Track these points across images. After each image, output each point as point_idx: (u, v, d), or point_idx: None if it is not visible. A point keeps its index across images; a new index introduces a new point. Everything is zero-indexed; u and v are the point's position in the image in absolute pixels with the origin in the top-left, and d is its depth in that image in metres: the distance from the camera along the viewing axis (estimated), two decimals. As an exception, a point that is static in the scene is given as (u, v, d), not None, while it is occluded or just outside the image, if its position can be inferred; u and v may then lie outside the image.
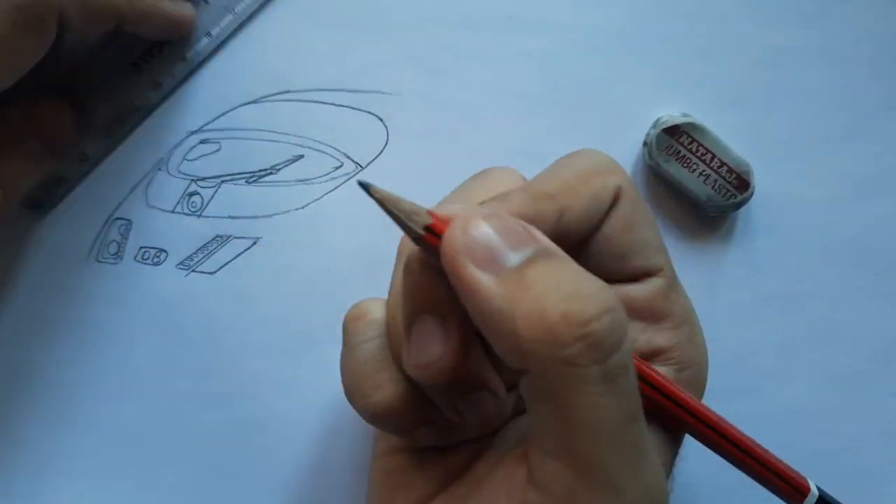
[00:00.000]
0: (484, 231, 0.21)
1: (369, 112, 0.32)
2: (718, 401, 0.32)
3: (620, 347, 0.20)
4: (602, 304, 0.20)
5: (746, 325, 0.32)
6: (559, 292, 0.19)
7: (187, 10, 0.32)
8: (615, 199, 0.25)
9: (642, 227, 0.25)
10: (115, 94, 0.32)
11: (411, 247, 0.23)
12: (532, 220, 0.22)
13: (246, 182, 0.32)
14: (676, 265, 0.27)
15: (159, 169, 0.32)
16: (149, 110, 0.33)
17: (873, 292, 0.33)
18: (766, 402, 0.32)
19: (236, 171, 0.32)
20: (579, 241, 0.25)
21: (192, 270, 0.32)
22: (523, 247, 0.20)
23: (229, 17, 0.32)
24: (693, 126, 0.31)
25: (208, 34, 0.32)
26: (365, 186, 0.22)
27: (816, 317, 0.33)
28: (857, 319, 0.33)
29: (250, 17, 0.33)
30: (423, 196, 0.32)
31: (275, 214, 0.32)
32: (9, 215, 0.31)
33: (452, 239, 0.21)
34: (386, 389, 0.24)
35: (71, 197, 0.32)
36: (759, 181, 0.32)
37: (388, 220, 0.32)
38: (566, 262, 0.21)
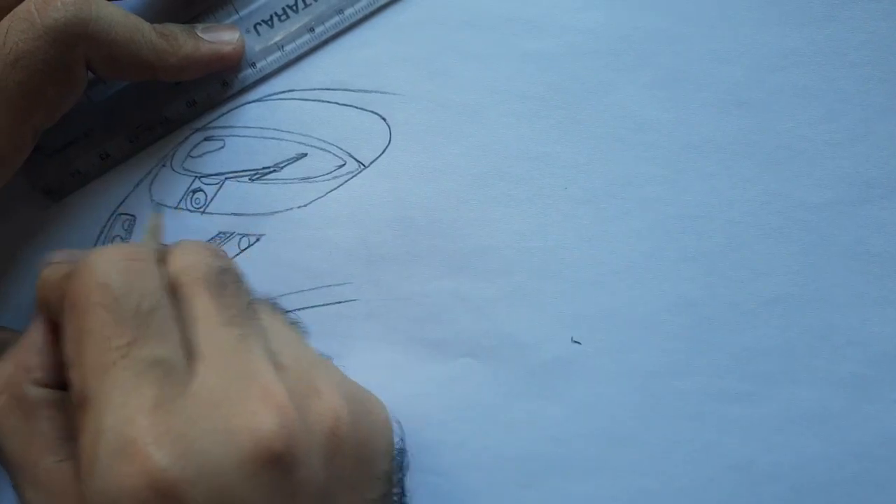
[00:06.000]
0: None
1: (373, 111, 0.33)
2: (720, 405, 0.32)
3: None
4: None
5: (748, 329, 0.32)
6: None
7: (234, 39, 0.32)
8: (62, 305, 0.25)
9: (65, 338, 0.24)
10: (150, 101, 0.32)
11: None
12: None
13: (249, 179, 0.33)
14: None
15: (163, 165, 0.33)
16: (179, 124, 0.33)
17: (877, 297, 0.32)
18: (768, 408, 0.32)
19: (240, 169, 0.33)
20: None
21: (196, 266, 0.33)
22: None
23: (277, 54, 0.32)
24: None
25: (253, 65, 0.32)
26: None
27: (819, 321, 0.32)
28: (860, 324, 0.32)
29: (298, 58, 0.33)
30: (426, 194, 0.33)
31: (278, 212, 0.33)
32: (21, 202, 0.32)
33: None
34: None
35: (76, 192, 0.33)
36: (762, 184, 0.32)
37: (391, 218, 0.32)
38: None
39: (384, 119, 0.33)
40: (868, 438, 0.32)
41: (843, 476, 0.32)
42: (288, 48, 0.32)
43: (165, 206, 0.33)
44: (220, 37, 0.31)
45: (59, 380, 0.26)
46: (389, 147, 0.33)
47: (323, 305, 0.33)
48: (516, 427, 0.32)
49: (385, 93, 0.33)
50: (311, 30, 0.32)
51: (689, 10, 0.32)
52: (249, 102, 0.33)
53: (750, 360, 0.32)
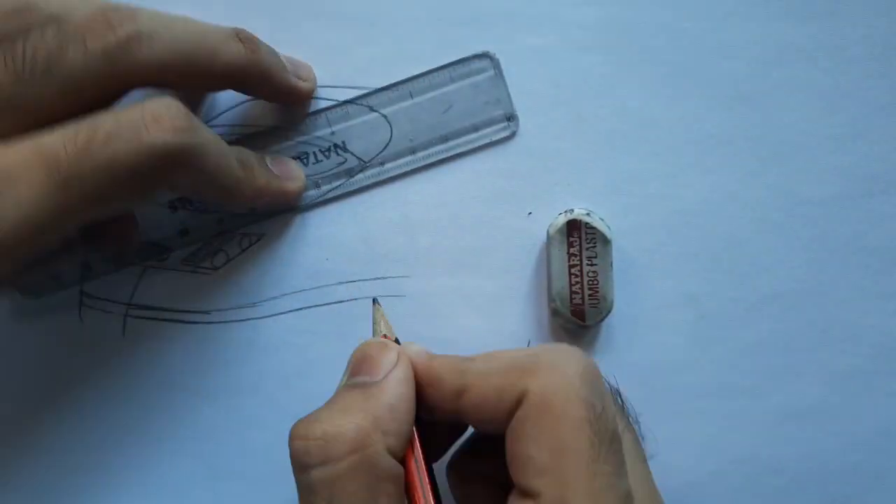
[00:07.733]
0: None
1: (374, 109, 0.32)
2: (722, 399, 0.32)
3: (311, 471, 0.23)
4: (311, 430, 0.23)
5: (748, 324, 0.32)
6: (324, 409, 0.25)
7: (300, 176, 0.32)
8: (518, 402, 0.24)
9: (532, 441, 0.23)
10: (143, 226, 0.31)
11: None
12: (426, 381, 0.25)
13: (249, 178, 0.32)
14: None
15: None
16: (166, 251, 0.32)
17: (875, 291, 0.33)
18: (769, 401, 0.33)
19: (240, 168, 0.32)
20: (496, 428, 0.25)
21: (196, 266, 0.32)
22: (353, 375, 0.25)
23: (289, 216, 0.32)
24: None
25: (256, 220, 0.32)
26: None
27: (819, 315, 0.33)
28: (859, 318, 0.33)
29: (302, 218, 0.32)
30: (427, 193, 0.32)
31: (278, 211, 0.32)
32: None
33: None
34: None
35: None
36: (764, 178, 0.32)
37: (391, 218, 0.32)
38: (346, 395, 0.25)
39: (385, 117, 0.32)
40: (867, 430, 0.33)
41: (843, 466, 0.33)
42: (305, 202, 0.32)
43: (163, 205, 0.32)
44: (289, 172, 0.31)
45: (402, 456, 0.24)
46: (390, 144, 0.32)
47: (323, 305, 0.32)
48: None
49: (386, 90, 0.32)
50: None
51: (692, 6, 0.32)
52: (249, 100, 0.32)
53: (752, 355, 0.33)
